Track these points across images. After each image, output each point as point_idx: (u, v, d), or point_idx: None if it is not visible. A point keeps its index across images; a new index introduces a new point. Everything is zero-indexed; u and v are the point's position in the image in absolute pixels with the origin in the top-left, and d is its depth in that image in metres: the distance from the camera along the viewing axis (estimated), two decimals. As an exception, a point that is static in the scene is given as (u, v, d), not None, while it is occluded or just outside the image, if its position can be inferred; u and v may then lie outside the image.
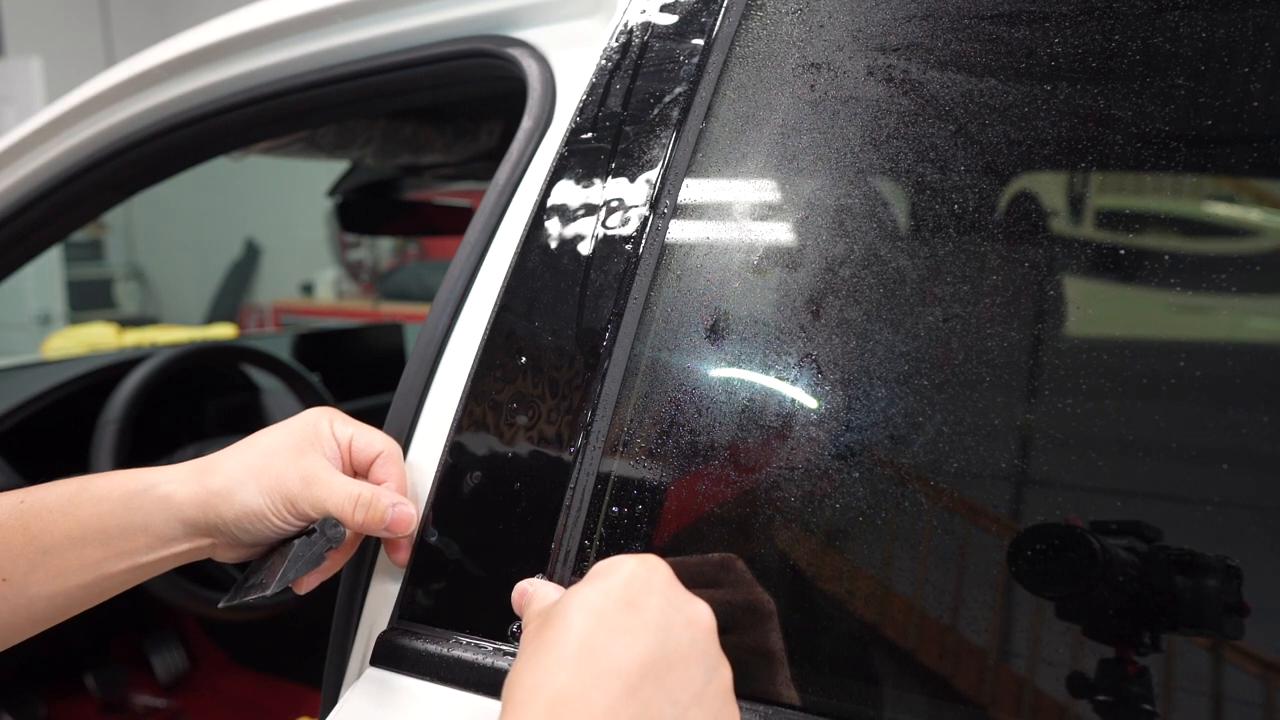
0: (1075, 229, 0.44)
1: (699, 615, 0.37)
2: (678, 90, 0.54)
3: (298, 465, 0.48)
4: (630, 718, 0.33)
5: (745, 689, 0.39)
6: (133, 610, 1.51)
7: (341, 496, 0.47)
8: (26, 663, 1.42)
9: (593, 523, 0.46)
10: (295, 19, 0.78)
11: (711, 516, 0.45)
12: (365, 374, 1.82)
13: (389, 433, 0.55)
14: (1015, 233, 0.44)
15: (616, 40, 0.59)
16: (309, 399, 1.38)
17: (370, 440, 0.51)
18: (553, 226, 0.54)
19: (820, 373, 0.45)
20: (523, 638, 0.39)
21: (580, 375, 0.49)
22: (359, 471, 0.51)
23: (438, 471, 0.52)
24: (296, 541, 0.48)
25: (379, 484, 0.50)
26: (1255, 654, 0.36)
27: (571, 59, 0.63)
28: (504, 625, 0.46)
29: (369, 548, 0.53)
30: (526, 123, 0.61)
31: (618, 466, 0.47)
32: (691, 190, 0.51)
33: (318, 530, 0.47)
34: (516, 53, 0.66)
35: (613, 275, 0.50)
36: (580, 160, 0.55)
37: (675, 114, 0.53)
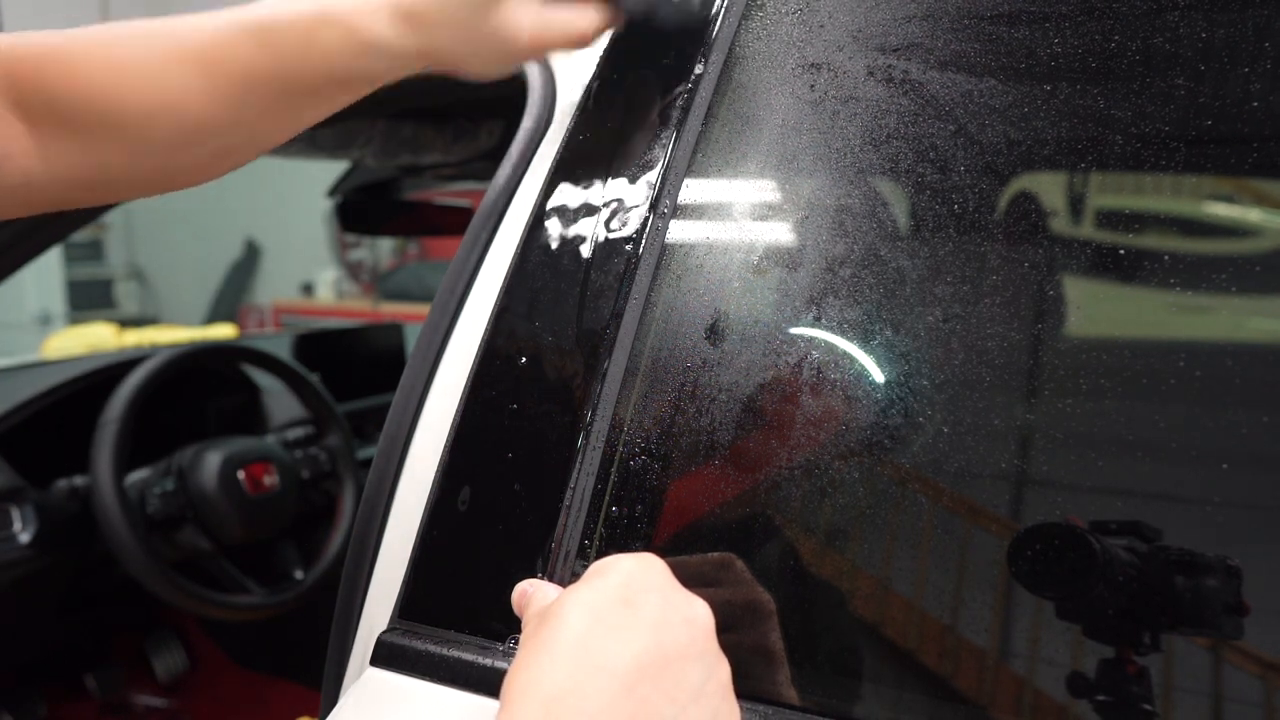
0: (1075, 229, 0.44)
1: (697, 613, 0.37)
2: (678, 90, 0.54)
3: (513, 18, 0.50)
4: (627, 716, 0.33)
5: (744, 688, 0.39)
6: (133, 610, 1.51)
7: (562, 41, 0.52)
8: (27, 663, 1.42)
9: (593, 523, 0.46)
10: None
11: (711, 516, 0.45)
12: (365, 374, 1.82)
13: (388, 433, 0.55)
14: (1015, 233, 0.44)
15: (616, 40, 0.59)
16: (309, 399, 1.38)
17: None
18: (553, 226, 0.54)
19: (820, 373, 0.45)
20: (521, 637, 0.39)
21: (580, 375, 0.49)
22: None
23: (438, 471, 0.52)
24: None
25: None
26: (1255, 654, 0.36)
27: (572, 59, 0.63)
28: (504, 625, 0.46)
29: (370, 548, 0.53)
30: (527, 123, 0.61)
31: (617, 466, 0.47)
32: (691, 190, 0.51)
33: None
34: (516, 53, 0.66)
35: (613, 275, 0.50)
36: (580, 160, 0.55)
37: (675, 114, 0.53)
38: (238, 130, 0.51)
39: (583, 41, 0.53)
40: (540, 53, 0.53)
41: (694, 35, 0.54)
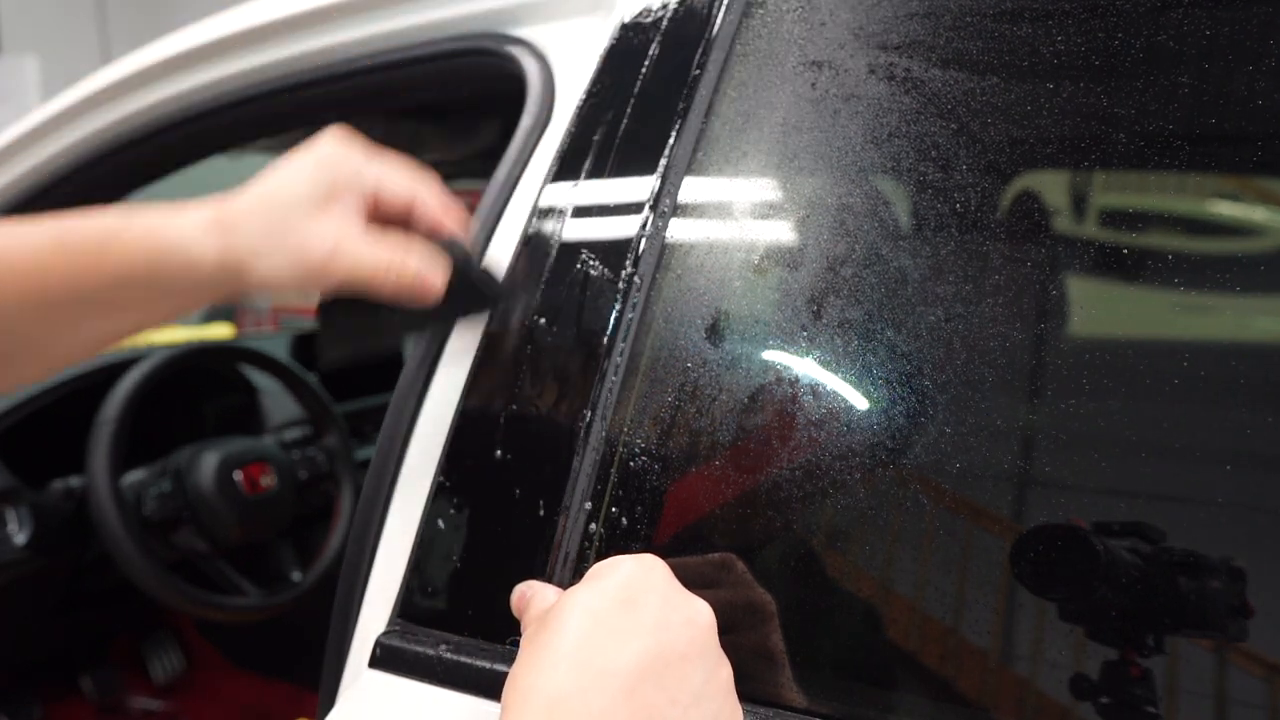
0: (1078, 228, 0.43)
1: (697, 614, 0.37)
2: (678, 88, 0.54)
3: (322, 227, 0.46)
4: (629, 717, 0.33)
5: (745, 690, 0.39)
6: (129, 612, 1.51)
7: (370, 268, 0.46)
8: (23, 665, 1.41)
9: (592, 524, 0.46)
10: (293, 17, 0.78)
11: (711, 517, 0.45)
12: (364, 374, 1.81)
13: (386, 434, 0.55)
14: (1017, 232, 0.43)
15: (616, 38, 0.58)
16: (307, 400, 1.38)
17: (398, 186, 0.48)
18: (552, 225, 0.54)
19: (821, 373, 0.44)
20: (521, 640, 0.38)
21: (580, 375, 0.49)
22: (389, 218, 0.49)
23: (436, 473, 0.52)
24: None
25: (415, 229, 0.49)
26: (1260, 656, 0.36)
27: (571, 57, 0.63)
28: (503, 627, 0.46)
29: (368, 550, 0.53)
30: (526, 121, 0.61)
31: (617, 467, 0.47)
32: (692, 189, 0.51)
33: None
34: (516, 51, 0.65)
35: (613, 275, 0.50)
36: (579, 159, 0.55)
37: (675, 112, 0.53)
38: (13, 336, 0.47)
39: (386, 275, 0.47)
40: (333, 273, 0.47)
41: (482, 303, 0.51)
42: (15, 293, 0.46)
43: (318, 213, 0.46)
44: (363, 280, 0.47)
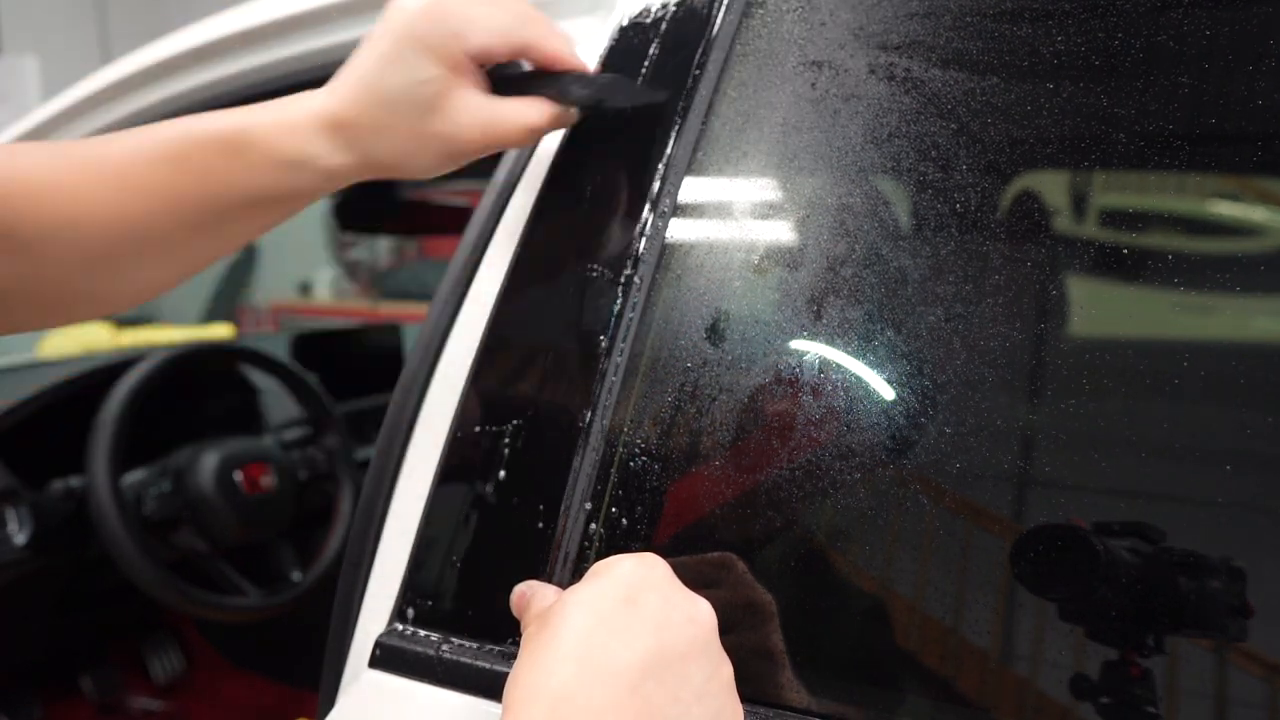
0: (1079, 228, 0.43)
1: (698, 612, 0.37)
2: (678, 88, 0.54)
3: (467, 114, 0.47)
4: (632, 715, 0.33)
5: (745, 691, 0.39)
6: (129, 612, 1.51)
7: (514, 133, 0.48)
8: (23, 665, 1.41)
9: (592, 523, 0.46)
10: (293, 17, 0.78)
11: (711, 517, 0.45)
12: (364, 374, 1.81)
13: (386, 434, 0.55)
14: (1018, 232, 0.43)
15: (615, 38, 0.58)
16: (307, 400, 1.38)
17: (504, 44, 0.47)
18: (552, 225, 0.54)
19: (821, 373, 0.44)
20: (522, 639, 0.38)
21: (580, 375, 0.49)
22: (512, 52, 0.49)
23: (436, 473, 0.52)
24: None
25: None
26: (1260, 656, 0.36)
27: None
28: (503, 627, 0.46)
29: (368, 550, 0.53)
30: (525, 121, 0.61)
31: (617, 467, 0.47)
32: (692, 189, 0.51)
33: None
34: (515, 51, 0.65)
35: (613, 275, 0.50)
36: (580, 158, 0.55)
37: (675, 112, 0.53)
38: (152, 253, 0.47)
39: (534, 135, 0.49)
40: (488, 149, 0.49)
41: (651, 111, 0.52)
42: (140, 210, 0.45)
43: (453, 100, 0.46)
44: (507, 146, 0.49)
